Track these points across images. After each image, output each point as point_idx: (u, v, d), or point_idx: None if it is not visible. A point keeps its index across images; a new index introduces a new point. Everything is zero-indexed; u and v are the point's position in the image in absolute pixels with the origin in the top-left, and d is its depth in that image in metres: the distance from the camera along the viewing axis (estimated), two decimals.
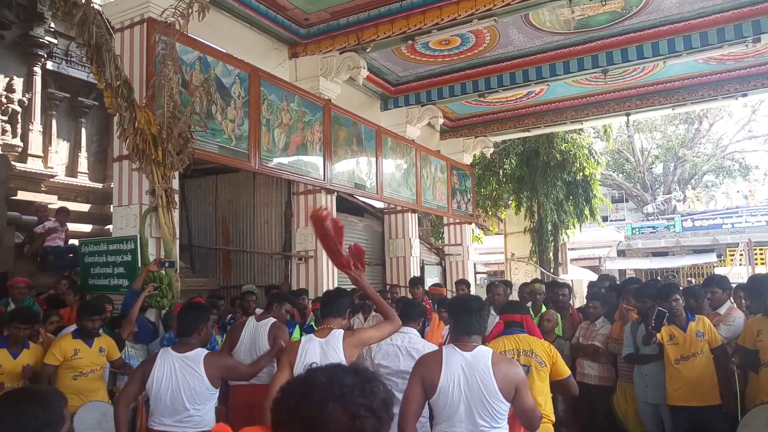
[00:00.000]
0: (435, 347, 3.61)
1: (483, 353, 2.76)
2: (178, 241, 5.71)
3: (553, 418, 3.57)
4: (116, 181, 5.81)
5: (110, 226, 6.58)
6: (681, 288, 5.49)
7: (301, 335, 5.70)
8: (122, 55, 5.57)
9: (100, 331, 4.44)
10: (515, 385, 2.71)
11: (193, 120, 5.72)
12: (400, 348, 3.74)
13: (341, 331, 3.32)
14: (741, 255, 20.22)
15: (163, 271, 5.35)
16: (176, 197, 5.65)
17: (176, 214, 5.69)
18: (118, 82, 5.15)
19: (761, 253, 20.67)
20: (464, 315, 2.87)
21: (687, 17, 8.12)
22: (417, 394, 2.76)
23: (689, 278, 20.20)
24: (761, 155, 34.81)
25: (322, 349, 3.23)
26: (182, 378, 3.27)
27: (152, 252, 5.49)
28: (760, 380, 4.10)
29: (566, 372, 3.61)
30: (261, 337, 4.33)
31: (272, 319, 4.45)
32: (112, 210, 6.02)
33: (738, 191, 28.26)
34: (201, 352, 3.38)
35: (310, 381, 1.29)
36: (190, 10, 5.43)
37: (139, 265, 5.42)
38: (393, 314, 3.44)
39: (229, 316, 6.58)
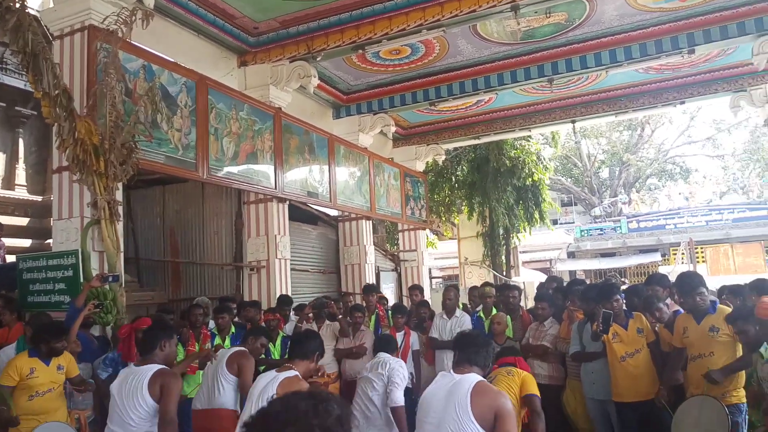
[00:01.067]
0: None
1: (471, 379, 2.88)
2: (122, 255, 5.54)
3: None
4: (56, 194, 5.59)
5: (50, 241, 6.32)
6: (625, 287, 5.72)
7: None
8: (62, 63, 5.38)
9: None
10: (494, 413, 2.74)
11: (138, 129, 5.57)
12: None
13: (285, 375, 3.31)
14: (683, 254, 21.09)
15: (107, 286, 5.18)
16: (120, 209, 5.47)
17: (120, 226, 5.51)
18: (57, 91, 4.97)
19: (702, 252, 21.61)
20: (471, 347, 3.08)
21: (627, 29, 8.44)
22: None
23: (623, 279, 20.94)
24: (700, 159, 36.54)
25: (268, 381, 3.31)
26: (131, 391, 3.30)
27: (95, 267, 5.30)
28: (689, 375, 4.31)
29: (533, 389, 3.73)
30: (221, 367, 4.23)
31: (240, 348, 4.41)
32: (52, 223, 5.78)
33: (679, 193, 29.41)
34: (151, 368, 3.34)
35: (267, 411, 1.39)
36: (134, 18, 5.30)
37: (81, 280, 5.21)
38: None
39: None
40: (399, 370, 4.33)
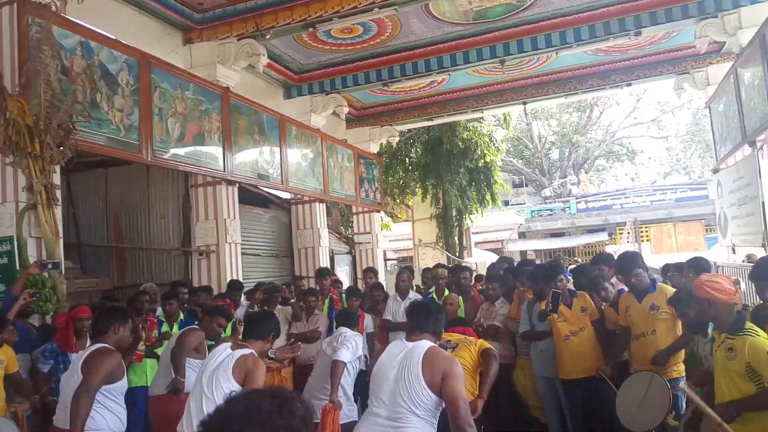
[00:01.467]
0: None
1: (423, 345, 2.94)
2: (62, 240, 5.28)
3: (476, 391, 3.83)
4: None
5: None
6: (573, 267, 5.83)
7: None
8: None
9: None
10: (441, 374, 2.78)
11: (76, 109, 5.29)
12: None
13: (241, 353, 3.27)
14: (629, 233, 21.81)
15: (46, 274, 4.94)
16: (58, 193, 5.20)
17: (59, 211, 5.25)
18: None
19: (646, 231, 22.38)
20: (422, 315, 3.15)
21: (576, 10, 8.53)
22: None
23: (576, 258, 21.52)
24: (645, 140, 37.73)
25: (224, 358, 3.27)
26: (76, 375, 3.25)
27: (32, 253, 5.04)
28: (633, 352, 4.44)
29: (487, 345, 4.06)
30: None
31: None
32: None
33: (626, 174, 30.39)
34: (94, 347, 3.34)
35: (228, 411, 1.32)
36: None
37: (17, 267, 4.96)
38: None
39: None
40: (353, 339, 4.47)
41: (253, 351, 3.31)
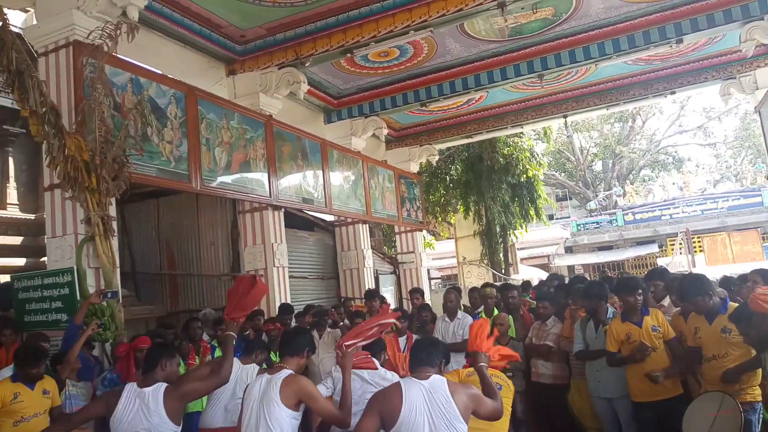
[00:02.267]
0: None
1: (439, 381, 2.90)
2: (119, 270, 5.49)
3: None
4: (48, 212, 5.52)
5: (45, 259, 6.26)
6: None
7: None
8: (48, 80, 5.33)
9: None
10: (473, 402, 2.89)
11: (128, 144, 5.52)
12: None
13: (286, 373, 3.21)
14: (680, 244, 21.11)
15: (104, 303, 5.12)
16: (114, 224, 5.42)
17: (115, 241, 5.46)
18: (44, 109, 4.94)
19: (699, 241, 21.64)
20: (424, 350, 3.07)
21: (614, 21, 8.44)
22: (372, 428, 2.84)
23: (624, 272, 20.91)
24: (692, 148, 36.71)
25: (265, 387, 3.18)
26: (142, 415, 3.14)
27: (92, 283, 5.25)
28: (704, 373, 4.22)
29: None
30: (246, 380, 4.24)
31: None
32: (46, 242, 5.72)
33: (673, 183, 29.48)
34: (160, 387, 3.22)
35: None
36: (119, 32, 5.26)
37: (78, 297, 5.16)
38: (345, 411, 3.31)
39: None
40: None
41: (291, 371, 3.24)
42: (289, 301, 7.68)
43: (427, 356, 3.02)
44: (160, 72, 6.55)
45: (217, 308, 7.57)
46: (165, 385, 3.24)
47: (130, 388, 3.24)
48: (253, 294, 3.70)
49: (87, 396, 4.47)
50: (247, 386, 3.39)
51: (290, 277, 8.29)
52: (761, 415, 3.98)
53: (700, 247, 21.38)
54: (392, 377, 3.86)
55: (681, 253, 20.17)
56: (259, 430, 3.07)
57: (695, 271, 7.42)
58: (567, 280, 7.55)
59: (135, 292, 8.37)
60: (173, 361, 3.44)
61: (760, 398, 4.00)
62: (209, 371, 3.43)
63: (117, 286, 5.36)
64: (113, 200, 5.43)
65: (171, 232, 8.97)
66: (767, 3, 7.77)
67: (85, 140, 5.11)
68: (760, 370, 3.99)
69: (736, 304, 4.19)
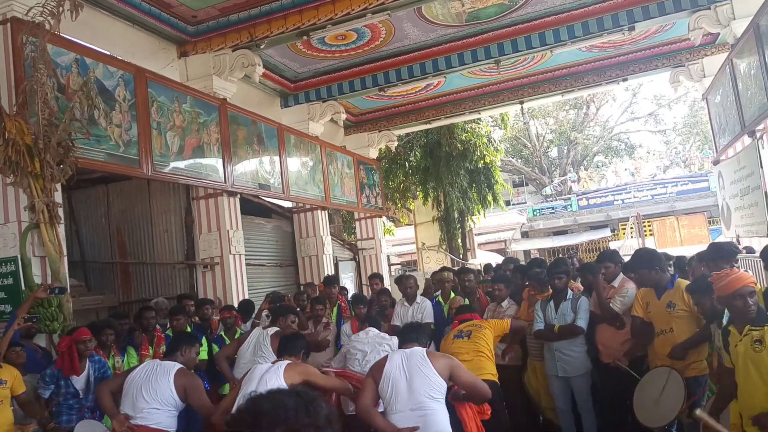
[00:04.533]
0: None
1: (419, 349, 3.57)
2: (66, 258, 5.28)
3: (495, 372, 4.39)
4: None
5: None
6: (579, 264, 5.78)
7: (209, 346, 5.50)
8: None
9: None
10: (449, 369, 3.46)
11: (74, 127, 5.28)
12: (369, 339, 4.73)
13: (287, 363, 3.57)
14: (632, 228, 21.77)
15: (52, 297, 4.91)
16: (60, 211, 5.19)
17: (62, 229, 5.24)
18: None
19: (649, 225, 22.34)
20: (413, 331, 3.85)
21: (569, 8, 8.55)
22: (370, 385, 3.48)
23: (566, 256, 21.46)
24: (643, 135, 37.80)
25: (266, 374, 3.48)
26: (153, 379, 3.64)
27: (37, 272, 5.03)
28: (654, 348, 4.37)
29: (506, 323, 4.80)
30: (265, 345, 4.68)
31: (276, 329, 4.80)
32: None
33: (625, 169, 30.28)
34: (176, 365, 3.72)
35: (255, 409, 1.34)
36: (61, 9, 5.00)
37: (23, 287, 4.95)
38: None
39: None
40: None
41: (290, 360, 3.62)
42: (246, 289, 7.57)
43: (415, 336, 3.75)
44: (108, 53, 6.29)
45: (170, 297, 7.39)
46: (179, 366, 3.72)
47: (151, 361, 3.86)
48: None
49: (32, 390, 4.28)
50: (244, 375, 3.68)
51: (247, 264, 8.16)
52: (708, 387, 4.14)
53: (650, 230, 22.09)
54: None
55: (632, 236, 20.81)
56: None
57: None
58: (522, 264, 7.66)
59: (85, 282, 8.10)
60: (192, 349, 3.95)
61: (705, 371, 4.14)
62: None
63: (65, 275, 5.16)
64: (59, 186, 5.20)
65: (122, 220, 8.68)
66: None
67: (27, 123, 4.86)
68: (706, 345, 4.14)
69: (685, 281, 4.33)
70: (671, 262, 5.04)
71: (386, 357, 3.61)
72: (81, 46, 5.80)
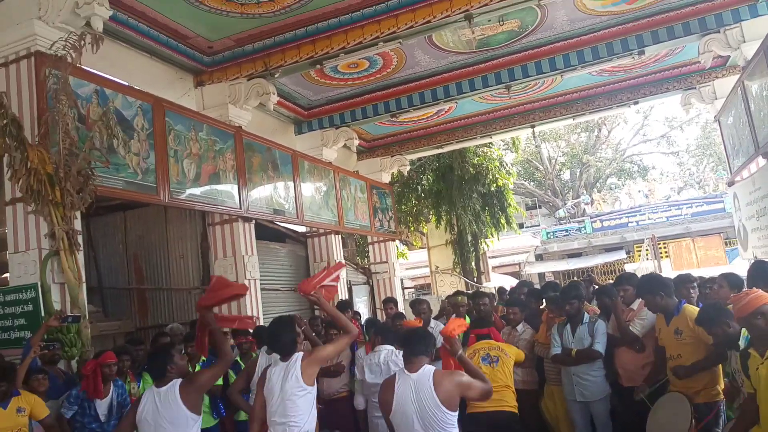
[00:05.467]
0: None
1: (427, 373, 3.31)
2: (84, 285, 5.36)
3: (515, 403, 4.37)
4: (11, 226, 5.36)
5: (7, 275, 6.08)
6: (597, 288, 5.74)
7: (224, 373, 5.50)
8: (8, 92, 5.20)
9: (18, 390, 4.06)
10: (458, 390, 3.30)
11: (94, 156, 5.42)
12: (381, 364, 4.85)
13: (299, 354, 3.55)
14: (647, 250, 21.56)
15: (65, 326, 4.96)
16: (79, 238, 5.30)
17: (81, 256, 5.33)
18: (5, 120, 4.81)
19: (664, 247, 22.14)
20: (412, 340, 3.52)
21: (578, 33, 8.65)
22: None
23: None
24: (656, 156, 37.64)
25: (284, 372, 3.48)
26: (163, 411, 3.36)
27: (56, 299, 5.10)
28: (668, 373, 4.33)
29: (522, 355, 4.74)
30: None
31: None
32: (8, 257, 5.56)
33: (639, 191, 30.13)
34: (175, 383, 3.43)
35: None
36: (83, 43, 5.17)
37: (42, 314, 5.02)
38: (349, 325, 3.73)
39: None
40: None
41: (301, 352, 3.58)
42: (261, 314, 7.60)
43: (423, 348, 3.46)
44: (127, 83, 6.45)
45: (186, 323, 7.43)
46: (179, 380, 3.46)
47: (149, 391, 3.48)
48: (231, 289, 3.75)
49: (55, 415, 4.33)
50: (264, 374, 3.67)
51: (262, 289, 8.21)
52: (724, 414, 4.08)
53: (665, 252, 21.88)
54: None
55: (648, 258, 20.59)
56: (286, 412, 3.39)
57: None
58: (537, 287, 7.63)
59: (102, 308, 8.18)
60: (176, 358, 3.64)
61: (719, 398, 4.09)
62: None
63: (83, 302, 5.23)
64: (78, 214, 5.31)
65: (139, 246, 8.80)
66: (722, 17, 8.06)
67: (49, 152, 5.00)
68: (719, 371, 4.10)
69: (692, 307, 4.29)
70: (695, 284, 4.94)
71: (392, 383, 3.41)
72: (101, 77, 5.96)
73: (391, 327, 6.51)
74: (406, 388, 3.30)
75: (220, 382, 5.32)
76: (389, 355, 4.91)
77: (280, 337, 3.65)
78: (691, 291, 4.79)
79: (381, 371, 4.80)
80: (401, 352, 4.44)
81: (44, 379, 4.38)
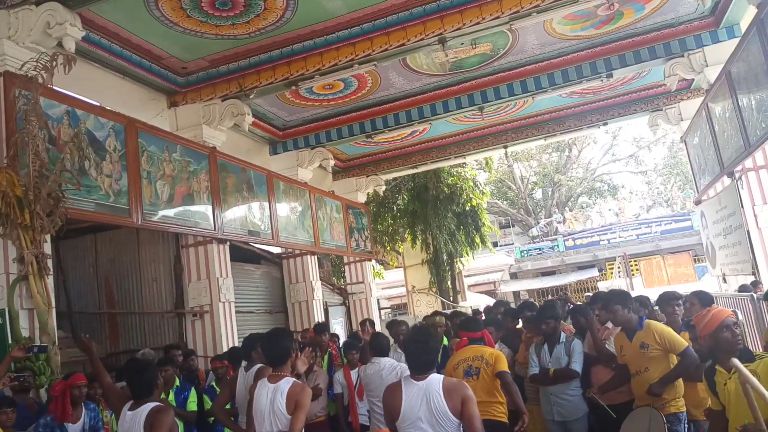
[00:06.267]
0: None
1: (435, 381, 3.23)
2: (54, 311, 5.21)
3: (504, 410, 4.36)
4: None
5: None
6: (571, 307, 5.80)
7: (199, 399, 5.39)
8: None
9: None
10: (461, 400, 3.17)
11: (64, 178, 5.31)
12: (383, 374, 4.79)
13: (290, 381, 3.51)
14: (619, 268, 21.92)
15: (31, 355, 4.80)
16: (49, 262, 5.17)
17: (51, 280, 5.20)
18: None
19: (635, 264, 22.52)
20: (425, 354, 3.30)
21: (548, 57, 8.86)
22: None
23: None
24: (625, 176, 38.50)
25: (272, 395, 3.46)
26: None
27: (25, 325, 4.95)
28: (633, 389, 4.41)
29: (503, 367, 4.44)
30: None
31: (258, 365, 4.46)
32: None
33: (609, 209, 30.73)
34: (146, 407, 3.33)
35: None
36: (55, 63, 5.11)
37: (9, 341, 4.86)
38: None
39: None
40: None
41: (293, 379, 3.53)
42: (235, 337, 7.48)
43: (430, 360, 3.31)
44: (99, 104, 6.38)
45: (158, 347, 7.27)
46: (149, 407, 3.33)
47: (123, 417, 3.38)
48: None
49: None
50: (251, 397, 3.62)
51: (237, 312, 8.10)
52: (687, 425, 4.19)
53: (636, 269, 22.24)
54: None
55: (620, 276, 20.94)
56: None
57: (633, 293, 7.75)
58: (512, 306, 7.68)
59: (71, 333, 7.94)
60: (160, 378, 3.68)
61: (683, 409, 4.23)
62: None
63: (53, 328, 5.09)
64: (48, 237, 5.19)
65: (110, 269, 8.60)
66: (686, 42, 8.35)
67: (18, 175, 4.88)
68: (680, 383, 4.24)
69: (656, 322, 4.43)
70: (680, 301, 5.04)
71: (399, 387, 3.27)
72: (72, 98, 5.88)
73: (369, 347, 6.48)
74: (415, 395, 3.20)
75: (194, 407, 5.22)
76: (391, 367, 4.84)
77: (277, 344, 3.63)
78: (676, 308, 4.88)
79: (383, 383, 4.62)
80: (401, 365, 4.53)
81: (12, 413, 4.18)
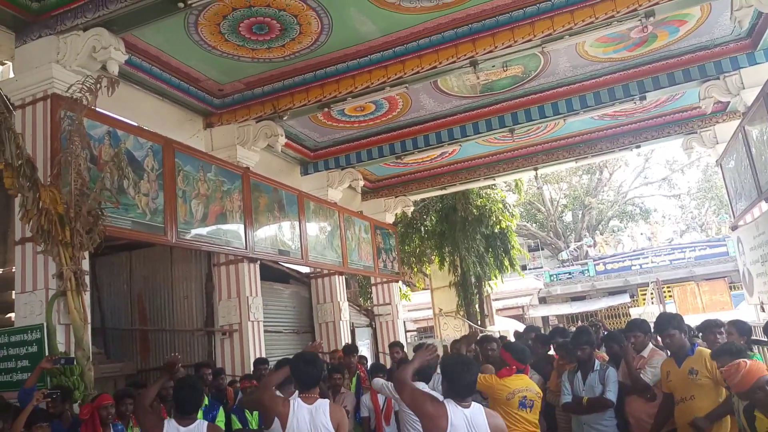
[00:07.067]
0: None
1: (479, 409, 3.29)
2: (89, 326, 5.32)
3: None
4: (19, 266, 5.37)
5: (12, 315, 6.06)
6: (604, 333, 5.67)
7: (227, 419, 5.41)
8: (24, 133, 5.28)
9: None
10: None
11: (104, 196, 5.46)
12: None
13: (326, 401, 3.68)
14: (652, 294, 21.41)
15: (74, 362, 4.91)
16: (87, 279, 5.29)
17: (87, 296, 5.32)
18: (20, 161, 4.86)
19: (669, 290, 21.99)
20: (468, 378, 3.31)
21: (581, 79, 8.83)
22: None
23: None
24: (658, 199, 37.81)
25: (311, 415, 3.53)
26: None
27: (61, 340, 5.06)
28: (676, 419, 4.27)
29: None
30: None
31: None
32: (14, 297, 5.55)
33: (641, 234, 30.18)
34: (202, 425, 3.53)
35: None
36: (99, 86, 5.29)
37: (46, 355, 4.97)
38: None
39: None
40: None
41: (328, 401, 3.73)
42: (264, 356, 7.50)
43: (472, 388, 3.36)
44: (138, 125, 6.56)
45: (188, 365, 7.32)
46: (205, 425, 3.56)
47: (168, 423, 3.48)
48: None
49: None
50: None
51: (265, 331, 8.14)
52: None
53: (670, 295, 21.70)
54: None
55: (653, 302, 20.44)
56: None
57: None
58: (543, 331, 7.56)
59: (104, 349, 8.08)
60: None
61: None
62: None
63: (88, 343, 5.18)
64: (86, 254, 5.32)
65: (143, 286, 8.75)
66: (721, 65, 8.24)
67: (60, 193, 5.04)
68: (728, 420, 4.02)
69: (705, 349, 4.29)
70: (722, 329, 4.90)
71: (444, 411, 3.22)
72: (113, 119, 6.07)
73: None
74: (461, 421, 3.19)
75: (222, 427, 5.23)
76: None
77: (311, 367, 3.69)
78: (718, 336, 4.73)
79: None
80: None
81: (47, 427, 4.21)
